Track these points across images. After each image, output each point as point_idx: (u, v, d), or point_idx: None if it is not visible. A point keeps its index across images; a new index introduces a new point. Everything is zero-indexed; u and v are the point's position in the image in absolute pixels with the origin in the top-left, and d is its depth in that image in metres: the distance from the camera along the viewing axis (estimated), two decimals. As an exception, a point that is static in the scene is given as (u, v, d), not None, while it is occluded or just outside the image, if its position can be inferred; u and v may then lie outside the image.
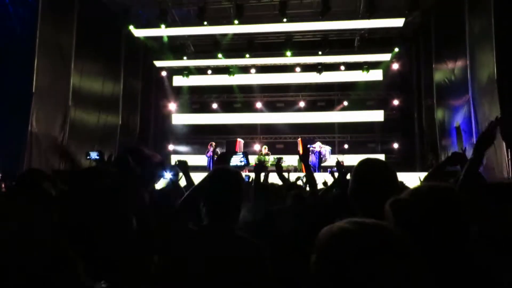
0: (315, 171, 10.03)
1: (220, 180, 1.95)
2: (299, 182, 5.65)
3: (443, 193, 1.23)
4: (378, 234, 0.86)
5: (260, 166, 3.53)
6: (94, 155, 6.15)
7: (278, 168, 4.13)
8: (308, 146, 11.30)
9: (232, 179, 1.96)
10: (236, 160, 2.64)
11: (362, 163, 1.87)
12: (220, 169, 2.06)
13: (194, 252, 1.79)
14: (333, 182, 3.86)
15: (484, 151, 1.95)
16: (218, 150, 12.32)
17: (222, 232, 1.85)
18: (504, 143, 7.12)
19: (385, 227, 0.89)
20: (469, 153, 7.25)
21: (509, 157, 7.06)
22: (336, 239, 0.87)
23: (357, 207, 1.77)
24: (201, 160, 13.08)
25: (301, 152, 12.02)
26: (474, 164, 1.94)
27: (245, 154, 2.71)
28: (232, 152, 2.14)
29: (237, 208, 1.93)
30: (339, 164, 3.76)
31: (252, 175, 3.61)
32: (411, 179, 7.19)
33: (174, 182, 3.97)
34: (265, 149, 12.68)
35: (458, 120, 9.85)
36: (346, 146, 15.90)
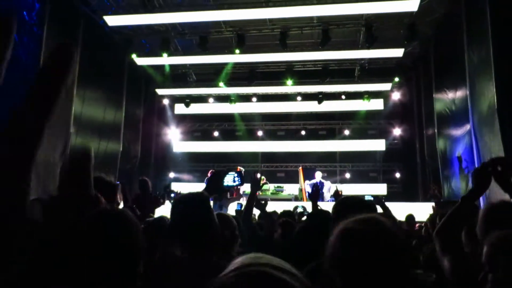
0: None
1: (185, 208, 1.86)
2: (299, 210, 5.59)
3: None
4: None
5: (256, 182, 3.27)
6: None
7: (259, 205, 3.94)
8: (313, 183, 11.14)
9: (197, 205, 1.87)
10: (229, 179, 2.52)
11: (340, 201, 1.96)
12: (184, 196, 1.98)
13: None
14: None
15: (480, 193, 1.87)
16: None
17: (199, 263, 1.76)
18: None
19: None
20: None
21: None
22: None
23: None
24: (202, 188, 12.97)
25: (302, 180, 12.05)
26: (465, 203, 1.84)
27: (240, 174, 2.60)
28: (226, 170, 2.06)
29: (208, 234, 1.83)
30: (337, 193, 3.74)
31: (244, 203, 3.55)
32: (413, 209, 7.10)
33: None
34: (263, 180, 12.49)
35: (460, 150, 9.80)
36: (347, 175, 15.81)
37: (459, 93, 9.83)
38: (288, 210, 4.54)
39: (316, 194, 3.50)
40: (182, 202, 1.89)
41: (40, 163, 8.65)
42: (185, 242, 1.81)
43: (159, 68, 13.99)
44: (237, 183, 2.60)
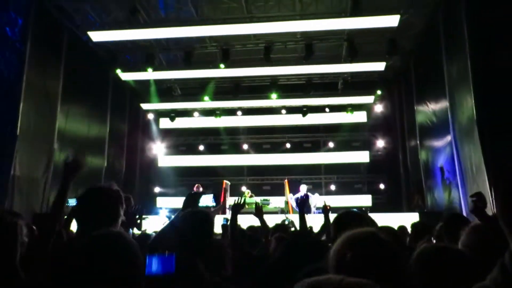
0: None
1: (189, 223, 1.90)
2: (287, 223, 5.62)
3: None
4: None
5: (237, 206, 3.44)
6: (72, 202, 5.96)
7: (258, 212, 4.02)
8: (301, 196, 11.22)
9: (202, 221, 1.92)
10: (207, 201, 2.60)
11: (341, 215, 2.08)
12: (189, 212, 2.03)
13: None
14: (321, 227, 3.90)
15: None
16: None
17: (193, 277, 1.78)
18: (488, 186, 7.19)
19: None
20: (454, 193, 7.16)
21: (493, 197, 7.11)
22: None
23: None
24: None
25: (288, 192, 12.10)
26: None
27: (215, 195, 2.70)
28: (201, 192, 2.13)
29: (205, 249, 1.88)
30: (325, 208, 3.82)
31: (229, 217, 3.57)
32: (398, 220, 7.18)
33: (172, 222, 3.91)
34: (248, 193, 12.54)
35: (442, 160, 9.99)
36: (332, 187, 15.92)
37: (440, 105, 10.07)
38: (281, 224, 4.49)
39: (303, 204, 3.55)
40: (187, 218, 1.94)
41: (24, 178, 8.53)
42: (184, 257, 1.83)
43: (144, 83, 13.98)
44: (213, 204, 2.70)
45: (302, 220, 3.71)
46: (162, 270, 1.40)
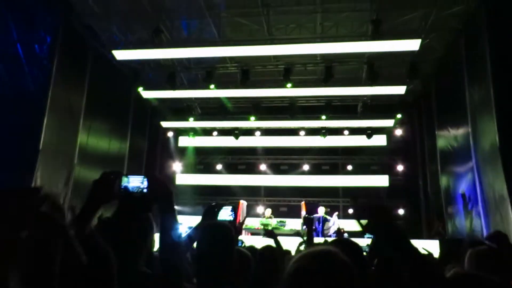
0: (317, 236, 9.81)
1: (211, 237, 1.87)
2: (302, 247, 5.51)
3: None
4: None
5: (271, 233, 3.54)
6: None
7: (269, 234, 3.99)
8: (312, 216, 11.08)
9: (223, 235, 1.87)
10: (225, 214, 2.55)
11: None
12: (210, 224, 2.00)
13: None
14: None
15: None
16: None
17: None
18: (510, 212, 6.98)
19: None
20: (476, 221, 6.96)
21: (517, 226, 6.88)
22: None
23: None
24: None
25: (304, 215, 11.96)
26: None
27: (234, 209, 2.67)
28: (220, 204, 2.09)
29: (227, 265, 1.82)
30: (339, 231, 3.79)
31: (245, 239, 3.57)
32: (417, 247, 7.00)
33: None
34: (268, 212, 12.49)
35: (463, 187, 9.75)
36: (350, 211, 15.67)
37: (461, 131, 9.89)
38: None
39: (310, 222, 3.52)
40: (207, 234, 1.90)
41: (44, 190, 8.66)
42: (204, 274, 1.80)
43: (165, 101, 14.20)
44: (232, 218, 2.65)
45: (309, 238, 3.65)
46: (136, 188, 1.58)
